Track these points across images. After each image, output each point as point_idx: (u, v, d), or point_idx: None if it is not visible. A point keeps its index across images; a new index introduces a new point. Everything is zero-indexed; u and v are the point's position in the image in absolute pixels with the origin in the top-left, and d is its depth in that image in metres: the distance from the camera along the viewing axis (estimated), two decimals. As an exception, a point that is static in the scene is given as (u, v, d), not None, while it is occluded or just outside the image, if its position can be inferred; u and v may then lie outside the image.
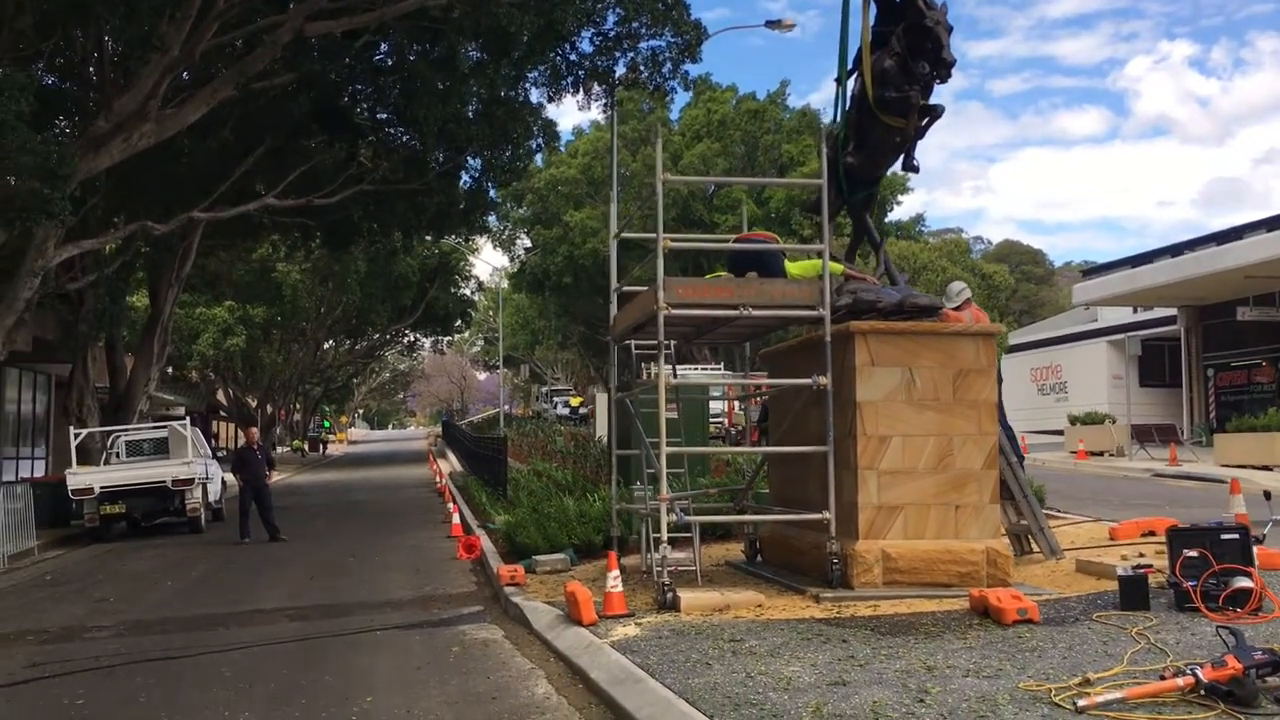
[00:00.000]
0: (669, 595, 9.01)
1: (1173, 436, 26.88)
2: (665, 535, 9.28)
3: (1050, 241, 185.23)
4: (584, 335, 65.44)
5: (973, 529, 9.44)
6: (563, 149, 49.26)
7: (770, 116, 50.08)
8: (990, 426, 9.59)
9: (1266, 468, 22.95)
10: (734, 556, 12.08)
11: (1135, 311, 36.95)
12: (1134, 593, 7.66)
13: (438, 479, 32.89)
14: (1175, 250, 37.22)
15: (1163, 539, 10.96)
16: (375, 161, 24.65)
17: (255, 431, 21.56)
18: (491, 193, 28.54)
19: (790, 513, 10.41)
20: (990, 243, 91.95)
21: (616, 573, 9.10)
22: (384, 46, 23.38)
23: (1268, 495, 7.22)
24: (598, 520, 13.39)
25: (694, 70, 23.31)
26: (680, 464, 12.73)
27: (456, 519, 17.80)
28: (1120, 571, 7.90)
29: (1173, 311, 32.59)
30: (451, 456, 45.81)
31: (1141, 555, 10.04)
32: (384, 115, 25.58)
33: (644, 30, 22.07)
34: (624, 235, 13.98)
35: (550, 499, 18.04)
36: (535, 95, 23.76)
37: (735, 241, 10.58)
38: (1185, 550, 7.66)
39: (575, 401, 58.21)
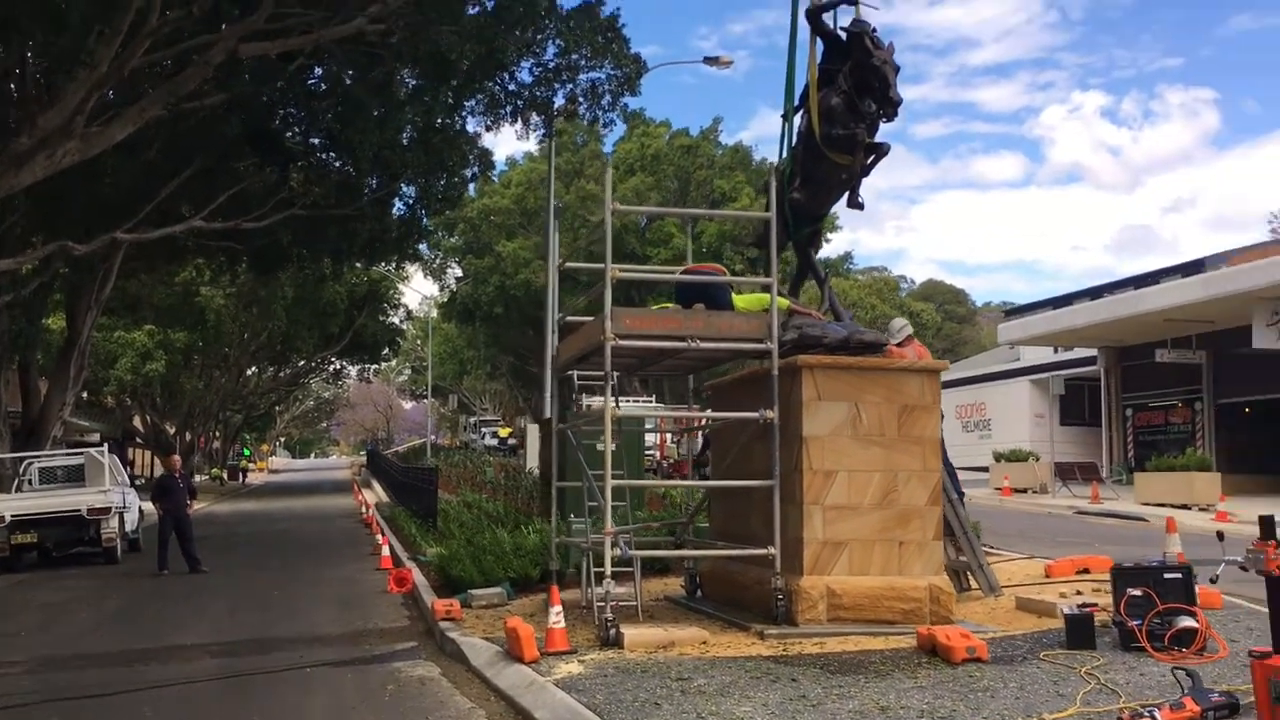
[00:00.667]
0: (612, 631, 8.83)
1: (1094, 474, 27.36)
2: (609, 570, 9.10)
3: (970, 282, 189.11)
4: (513, 366, 65.09)
5: (916, 566, 9.41)
6: (496, 179, 49.14)
7: (703, 152, 50.53)
8: (934, 463, 9.60)
9: (1185, 506, 23.45)
10: (673, 591, 11.93)
11: (1055, 351, 37.69)
12: (1080, 631, 7.66)
13: (363, 509, 32.30)
14: (1094, 293, 38.07)
15: (1098, 577, 11.10)
16: (307, 186, 24.26)
17: (177, 459, 20.93)
18: (425, 221, 28.28)
19: (733, 547, 10.29)
20: (914, 282, 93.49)
21: (559, 608, 8.89)
22: (319, 70, 23.11)
23: (1220, 536, 7.27)
24: (534, 553, 13.14)
25: (633, 103, 23.34)
26: (622, 497, 12.56)
27: (386, 551, 17.41)
28: (1065, 610, 7.91)
29: (1092, 352, 33.30)
30: (377, 486, 45.08)
31: (1079, 593, 10.10)
32: (317, 140, 25.21)
33: (584, 62, 22.08)
34: (568, 266, 13.79)
35: (483, 531, 17.75)
36: (473, 124, 23.56)
37: (682, 273, 10.49)
38: (1129, 589, 7.69)
39: (504, 432, 57.79)
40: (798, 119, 10.98)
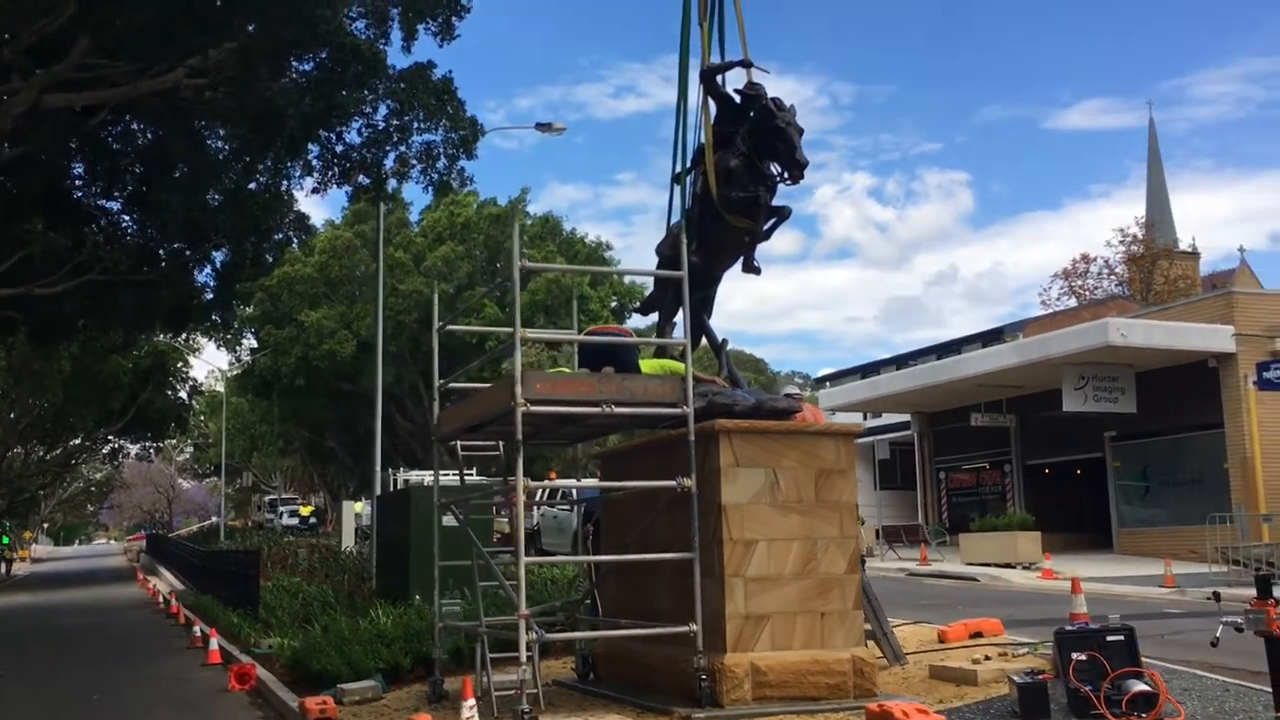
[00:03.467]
0: (532, 725, 8.10)
1: (920, 537, 28.08)
2: (524, 654, 8.37)
3: (758, 352, 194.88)
4: (308, 441, 62.35)
5: (838, 637, 9.09)
6: (296, 247, 47.29)
7: (513, 222, 50.19)
8: (851, 529, 9.35)
9: (1010, 565, 24.24)
10: (560, 674, 11.21)
11: (865, 418, 38.85)
12: (1035, 701, 7.48)
13: (158, 598, 29.88)
14: (899, 361, 39.63)
15: (997, 640, 11.08)
16: (101, 250, 22.49)
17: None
18: (237, 286, 26.70)
19: (639, 626, 9.71)
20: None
21: (472, 702, 8.10)
22: (122, 125, 21.60)
23: (1217, 596, 7.24)
24: (401, 640, 12.16)
25: (469, 167, 22.69)
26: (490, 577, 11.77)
27: (215, 644, 15.89)
28: (1017, 679, 7.71)
29: (903, 417, 34.45)
30: (166, 573, 41.95)
31: (988, 658, 10.01)
32: (119, 201, 23.47)
33: (417, 124, 21.39)
34: (451, 328, 13.02)
35: (318, 618, 16.53)
36: (299, 186, 22.44)
37: (587, 334, 9.98)
38: (1074, 654, 7.57)
39: (305, 510, 55.10)
40: (689, 181, 10.71)
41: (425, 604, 15.20)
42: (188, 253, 24.29)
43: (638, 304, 11.35)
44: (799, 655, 8.87)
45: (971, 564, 24.89)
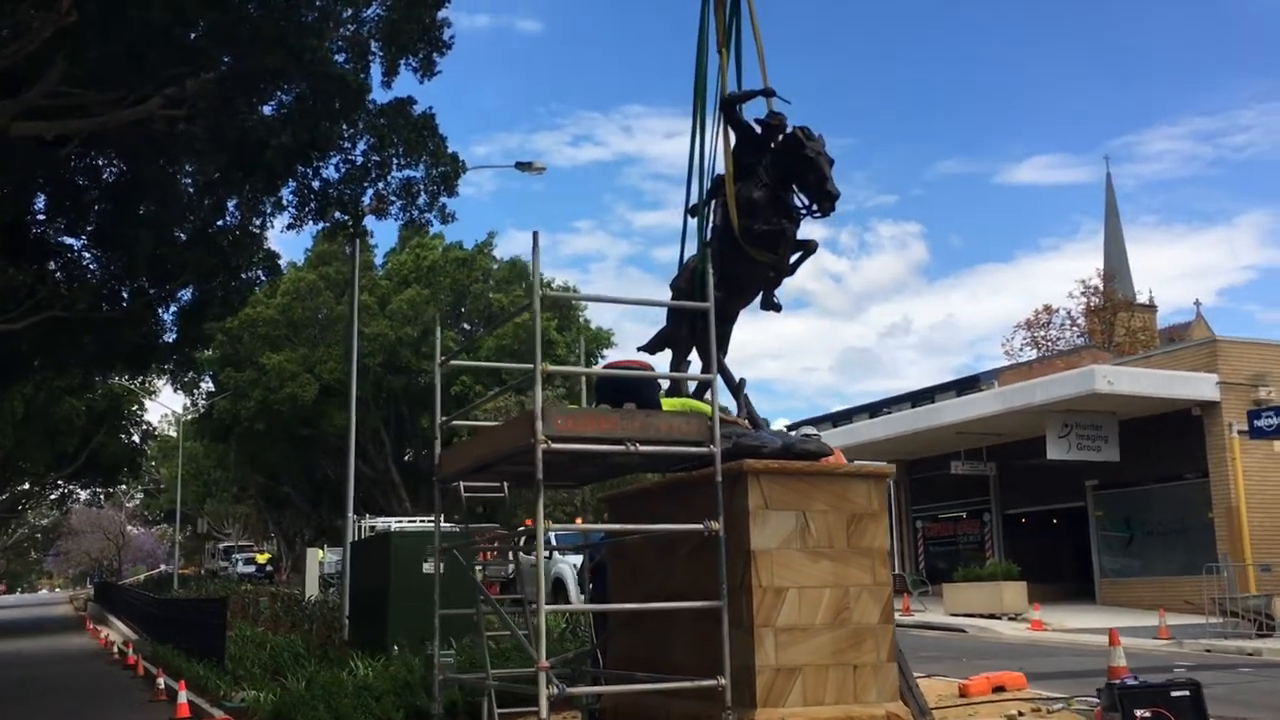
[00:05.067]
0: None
1: (904, 586, 27.61)
2: (545, 710, 7.75)
3: (721, 400, 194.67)
4: (264, 487, 61.03)
5: (871, 691, 8.58)
6: (259, 289, 46.48)
7: (479, 265, 49.74)
8: (884, 576, 8.87)
9: (995, 616, 23.81)
10: (562, 733, 10.57)
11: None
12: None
13: (112, 649, 28.68)
14: (873, 410, 39.36)
15: (1022, 694, 10.60)
16: (62, 286, 21.74)
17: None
18: (204, 326, 25.94)
19: (656, 680, 9.11)
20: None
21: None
22: (89, 159, 20.94)
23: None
24: (390, 694, 11.45)
25: (451, 204, 22.17)
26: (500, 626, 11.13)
27: (184, 697, 15.01)
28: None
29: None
30: (118, 622, 40.46)
31: (1021, 714, 9.53)
32: (83, 237, 22.70)
33: (396, 159, 20.91)
34: (454, 363, 12.43)
35: (294, 669, 15.77)
36: (277, 222, 21.86)
37: (605, 368, 9.48)
38: (1138, 710, 7.10)
39: (262, 558, 53.75)
40: (709, 211, 10.29)
41: (408, 655, 14.52)
42: (152, 291, 23.57)
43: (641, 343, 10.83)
44: (832, 711, 8.35)
45: (955, 614, 24.43)
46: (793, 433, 10.44)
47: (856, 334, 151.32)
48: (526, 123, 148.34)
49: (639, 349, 10.83)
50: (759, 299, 10.29)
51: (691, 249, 10.58)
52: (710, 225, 10.24)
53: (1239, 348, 25.06)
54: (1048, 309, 63.52)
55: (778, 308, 10.25)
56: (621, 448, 8.22)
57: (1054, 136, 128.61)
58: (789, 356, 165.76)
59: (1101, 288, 63.96)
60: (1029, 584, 25.34)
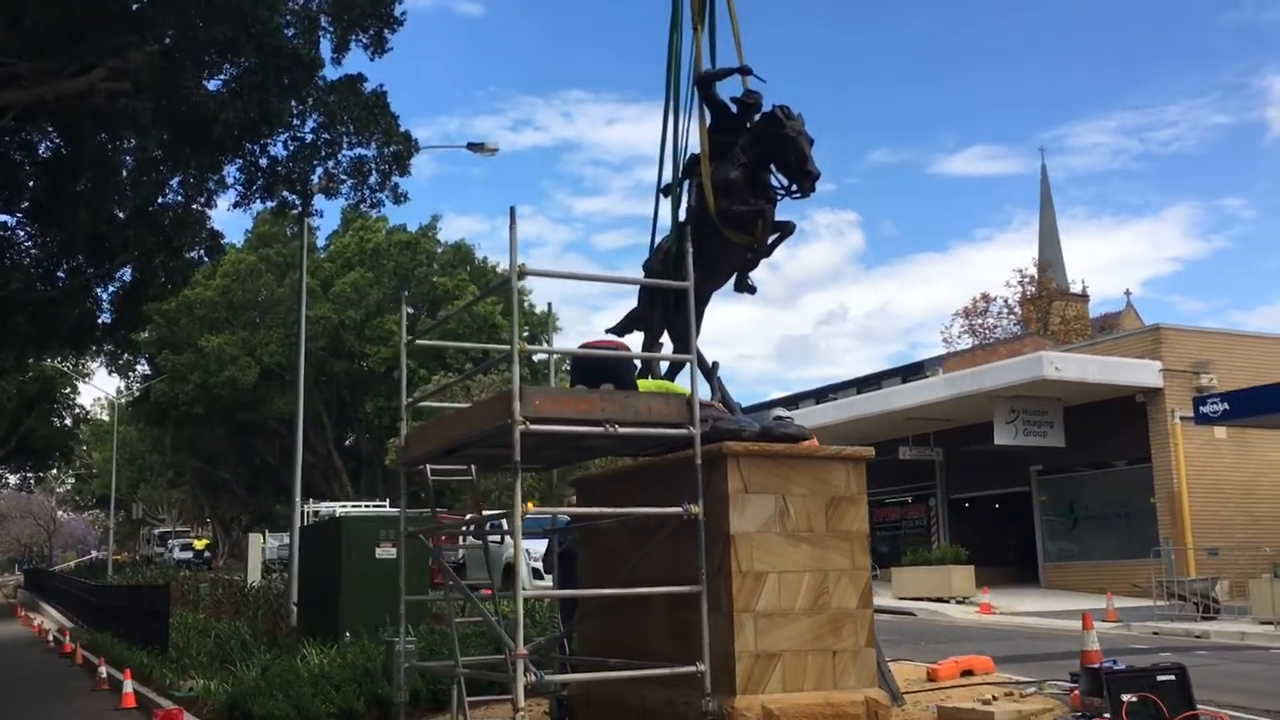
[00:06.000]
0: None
1: (850, 571, 27.75)
2: (522, 699, 7.56)
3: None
4: (200, 472, 59.98)
5: (851, 676, 8.50)
6: (197, 271, 45.53)
7: (423, 249, 49.23)
8: (863, 560, 8.80)
9: (943, 599, 24.03)
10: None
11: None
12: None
13: (47, 637, 28.03)
14: (819, 395, 39.55)
15: (991, 678, 10.63)
16: (-1, 267, 21.05)
17: None
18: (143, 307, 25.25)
19: (630, 667, 8.96)
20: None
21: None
22: (24, 133, 20.25)
23: None
24: (350, 682, 11.19)
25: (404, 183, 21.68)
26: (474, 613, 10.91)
27: (129, 686, 14.63)
28: None
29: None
30: (51, 610, 39.55)
31: (995, 698, 9.53)
32: (14, 214, 21.95)
33: (348, 138, 20.46)
34: (419, 342, 12.15)
35: (243, 657, 15.46)
36: (220, 201, 21.32)
37: (581, 348, 9.28)
38: (1125, 695, 7.09)
39: (200, 544, 52.78)
40: (684, 194, 10.11)
41: (365, 642, 14.25)
42: (90, 270, 22.91)
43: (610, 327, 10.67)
44: (811, 697, 8.25)
45: (904, 598, 24.61)
46: (768, 415, 10.33)
47: (794, 321, 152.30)
48: (466, 106, 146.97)
49: (607, 330, 10.62)
50: (732, 281, 10.15)
51: (664, 230, 10.42)
52: (686, 205, 10.06)
53: (1181, 335, 25.48)
54: (985, 297, 64.47)
55: (752, 290, 10.13)
56: (601, 429, 8.04)
57: (987, 128, 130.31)
58: (726, 344, 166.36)
59: (1037, 277, 65.08)
60: (982, 568, 25.62)
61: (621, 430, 8.11)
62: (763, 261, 10.03)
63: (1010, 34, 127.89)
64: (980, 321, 64.44)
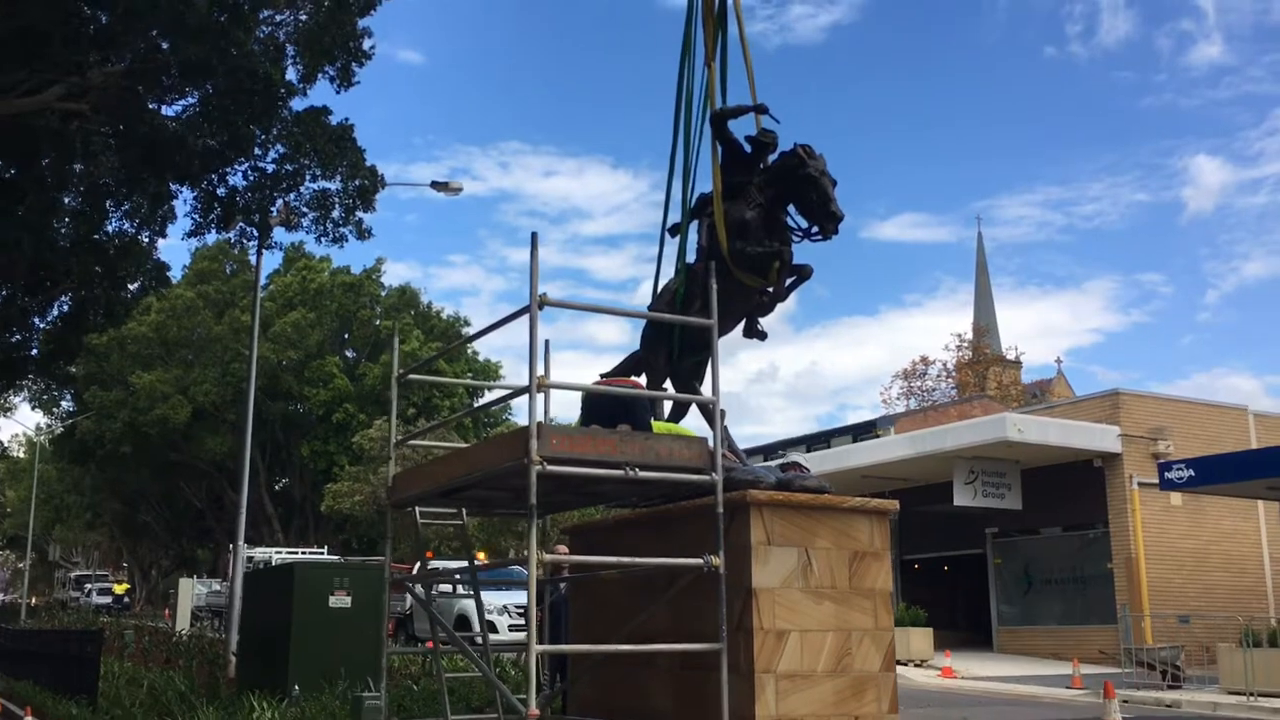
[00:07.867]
0: None
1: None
2: (534, 768, 6.95)
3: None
4: (120, 514, 57.90)
5: (873, 745, 8.01)
6: (142, 301, 44.23)
7: (367, 291, 48.35)
8: (887, 620, 8.33)
9: (900, 662, 23.57)
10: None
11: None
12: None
13: (-42, 686, 26.33)
14: (767, 453, 39.23)
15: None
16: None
17: None
18: (85, 338, 24.29)
19: (634, 729, 8.39)
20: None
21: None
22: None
23: None
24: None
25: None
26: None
27: (59, 742, 13.61)
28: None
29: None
30: (-43, 657, 37.40)
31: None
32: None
33: (312, 170, 19.89)
34: (411, 377, 11.54)
35: (182, 710, 14.52)
36: (175, 230, 20.58)
37: (596, 383, 8.77)
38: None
39: (120, 588, 50.78)
40: (693, 234, 9.69)
41: (318, 697, 13.45)
42: (27, 299, 21.98)
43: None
44: (833, 766, 7.74)
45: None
46: (776, 464, 9.89)
47: (726, 379, 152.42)
48: (403, 153, 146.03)
49: (603, 375, 10.08)
50: (740, 327, 9.72)
51: (669, 270, 9.98)
52: (696, 245, 9.64)
53: (1140, 401, 25.58)
54: (925, 360, 65.03)
55: (762, 336, 9.69)
56: (620, 472, 7.53)
57: (917, 196, 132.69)
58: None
59: (975, 342, 65.97)
60: (936, 631, 25.30)
61: (641, 474, 7.62)
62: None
63: (940, 106, 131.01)
64: (919, 384, 64.98)
